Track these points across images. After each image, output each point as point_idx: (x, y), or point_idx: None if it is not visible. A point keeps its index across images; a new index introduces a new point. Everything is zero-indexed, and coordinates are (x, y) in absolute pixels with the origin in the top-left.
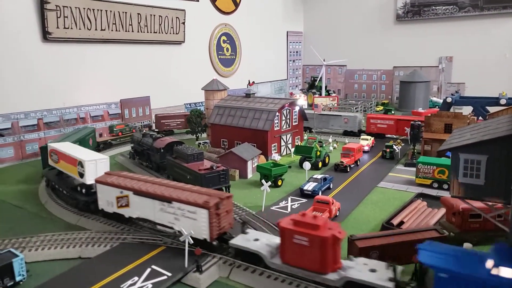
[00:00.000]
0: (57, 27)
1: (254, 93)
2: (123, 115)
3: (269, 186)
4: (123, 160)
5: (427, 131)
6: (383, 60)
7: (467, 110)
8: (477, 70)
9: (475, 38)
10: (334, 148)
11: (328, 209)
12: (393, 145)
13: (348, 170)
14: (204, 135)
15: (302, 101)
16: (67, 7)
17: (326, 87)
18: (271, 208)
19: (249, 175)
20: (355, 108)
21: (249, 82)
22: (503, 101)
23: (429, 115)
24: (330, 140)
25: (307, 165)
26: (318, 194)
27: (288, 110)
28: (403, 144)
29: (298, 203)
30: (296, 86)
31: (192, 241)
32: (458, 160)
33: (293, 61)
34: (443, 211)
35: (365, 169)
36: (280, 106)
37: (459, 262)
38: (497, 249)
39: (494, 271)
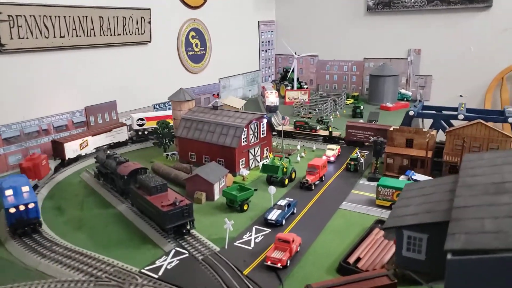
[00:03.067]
0: (11, 38)
1: (221, 105)
2: (89, 122)
3: (235, 211)
4: (87, 177)
5: (390, 145)
6: (354, 51)
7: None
8: (444, 63)
9: (442, 31)
10: (302, 157)
11: (288, 248)
12: (357, 157)
13: (313, 188)
14: (173, 145)
15: (274, 98)
16: (20, 16)
17: (298, 79)
18: (234, 243)
19: (216, 197)
20: (325, 104)
21: (213, 94)
22: (460, 117)
23: (391, 129)
24: (298, 147)
25: (272, 189)
26: (281, 223)
27: (256, 124)
28: (367, 153)
29: (261, 235)
30: (269, 77)
31: None
32: (402, 235)
33: (265, 51)
34: None
35: (329, 185)
36: (248, 121)
37: None
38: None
39: None
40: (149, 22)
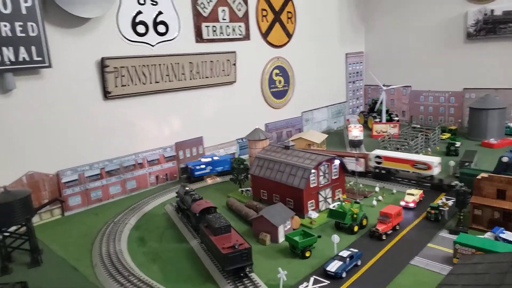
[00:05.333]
0: (116, 86)
1: (293, 145)
2: (178, 156)
3: (297, 257)
4: (170, 210)
5: (477, 195)
6: (452, 81)
7: None
8: None
9: None
10: (379, 201)
11: None
12: (439, 206)
13: (384, 238)
14: (248, 181)
15: (357, 132)
16: (124, 67)
17: (388, 110)
18: None
19: (281, 240)
20: (415, 140)
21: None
22: None
23: (479, 178)
24: (377, 189)
25: (335, 238)
26: (341, 276)
27: (326, 165)
28: (451, 204)
29: (319, 286)
30: (357, 108)
31: None
32: None
33: (353, 82)
34: None
35: (403, 235)
36: (316, 163)
37: None
38: None
39: None
40: (235, 64)
